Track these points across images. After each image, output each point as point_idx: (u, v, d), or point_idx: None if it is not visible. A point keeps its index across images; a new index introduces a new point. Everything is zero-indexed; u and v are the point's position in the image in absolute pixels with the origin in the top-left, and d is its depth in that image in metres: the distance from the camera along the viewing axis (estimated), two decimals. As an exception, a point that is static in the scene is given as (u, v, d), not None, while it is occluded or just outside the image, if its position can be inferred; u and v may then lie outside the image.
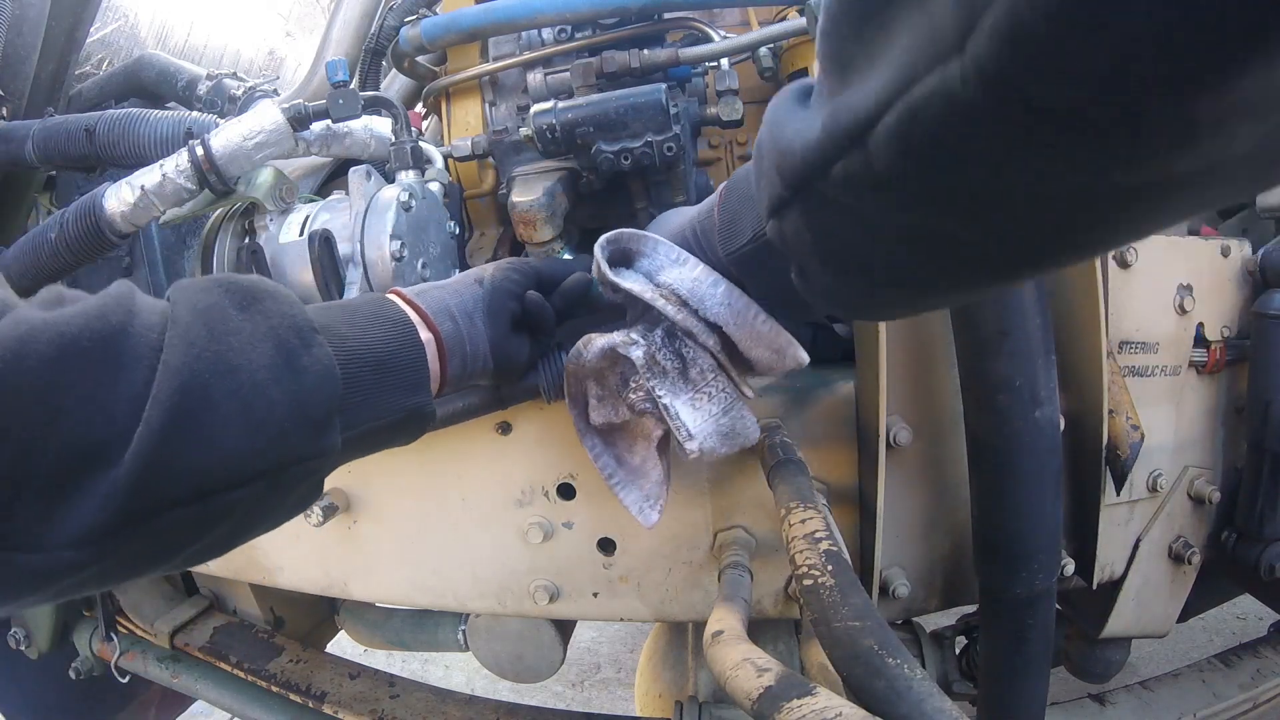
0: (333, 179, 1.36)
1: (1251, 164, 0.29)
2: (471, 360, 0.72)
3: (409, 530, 1.01)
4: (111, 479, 0.42)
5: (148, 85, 1.54)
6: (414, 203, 0.98)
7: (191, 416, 0.46)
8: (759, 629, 1.03)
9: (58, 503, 0.41)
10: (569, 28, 1.13)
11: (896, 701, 0.46)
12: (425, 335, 0.68)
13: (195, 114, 1.31)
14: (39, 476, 0.40)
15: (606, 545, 0.95)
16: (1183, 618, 1.08)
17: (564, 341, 0.89)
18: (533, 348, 0.82)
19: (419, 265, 0.99)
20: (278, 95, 1.39)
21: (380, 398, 0.61)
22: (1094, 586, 0.93)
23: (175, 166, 1.04)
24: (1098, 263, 0.80)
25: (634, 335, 0.71)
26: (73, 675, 1.40)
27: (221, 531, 0.52)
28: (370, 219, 0.95)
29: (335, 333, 0.59)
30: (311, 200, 1.12)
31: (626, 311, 0.80)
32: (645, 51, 1.06)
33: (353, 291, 0.92)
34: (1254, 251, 1.01)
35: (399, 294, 0.70)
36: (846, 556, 0.60)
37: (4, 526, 0.40)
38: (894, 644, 0.49)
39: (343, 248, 0.94)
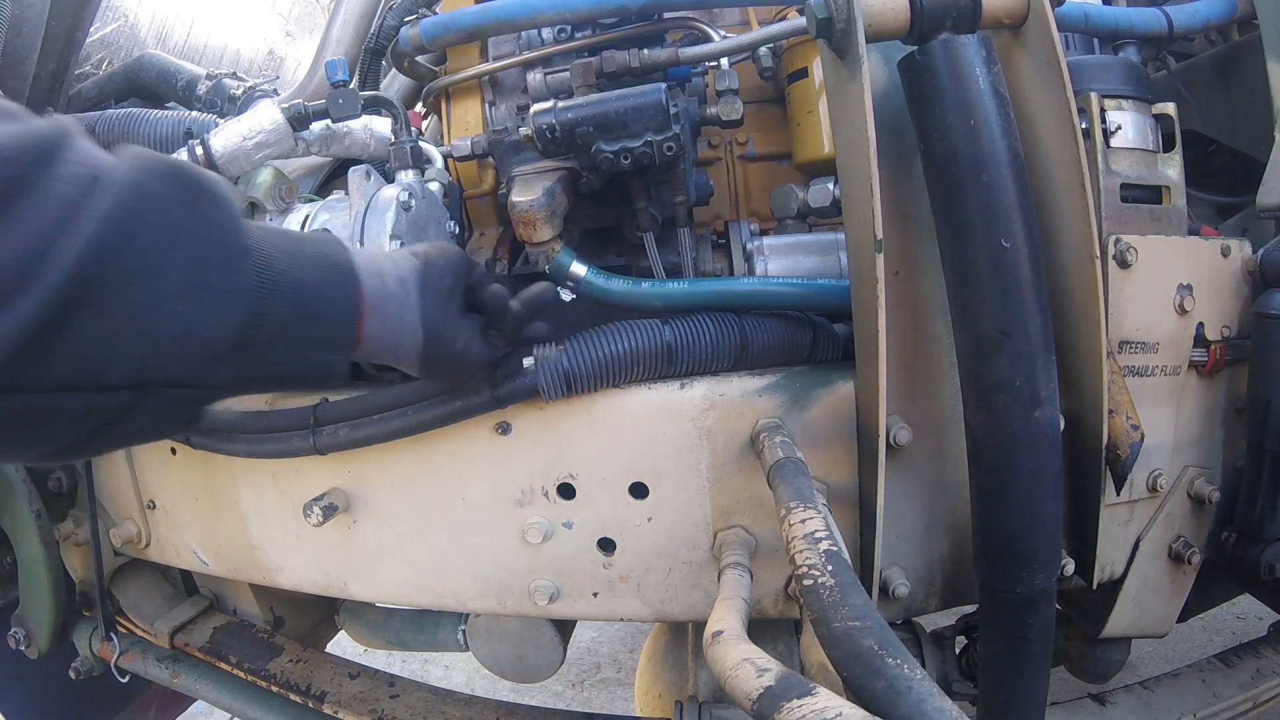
0: (333, 179, 1.36)
1: None
2: (396, 325, 0.67)
3: (409, 530, 1.01)
4: None
5: (148, 85, 1.54)
6: (414, 202, 0.98)
7: (88, 305, 0.43)
8: (759, 629, 1.03)
9: None
10: (569, 27, 1.13)
11: (896, 701, 0.46)
12: None
13: (195, 114, 1.31)
14: None
15: (606, 545, 0.95)
16: (1183, 618, 1.08)
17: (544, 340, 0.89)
18: (486, 341, 0.79)
19: (419, 265, 0.99)
20: (278, 95, 1.39)
21: (294, 346, 0.56)
22: (1094, 586, 0.93)
23: (175, 166, 1.04)
24: (1098, 263, 0.80)
25: None
26: (73, 675, 1.40)
27: (76, 432, 0.48)
28: (370, 219, 0.95)
29: (269, 262, 0.54)
30: (311, 200, 1.12)
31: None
32: (645, 51, 1.06)
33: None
34: (1254, 251, 1.01)
35: None
36: (846, 556, 0.60)
37: None
38: (894, 644, 0.49)
39: (343, 248, 0.94)
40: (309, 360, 0.58)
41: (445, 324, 0.72)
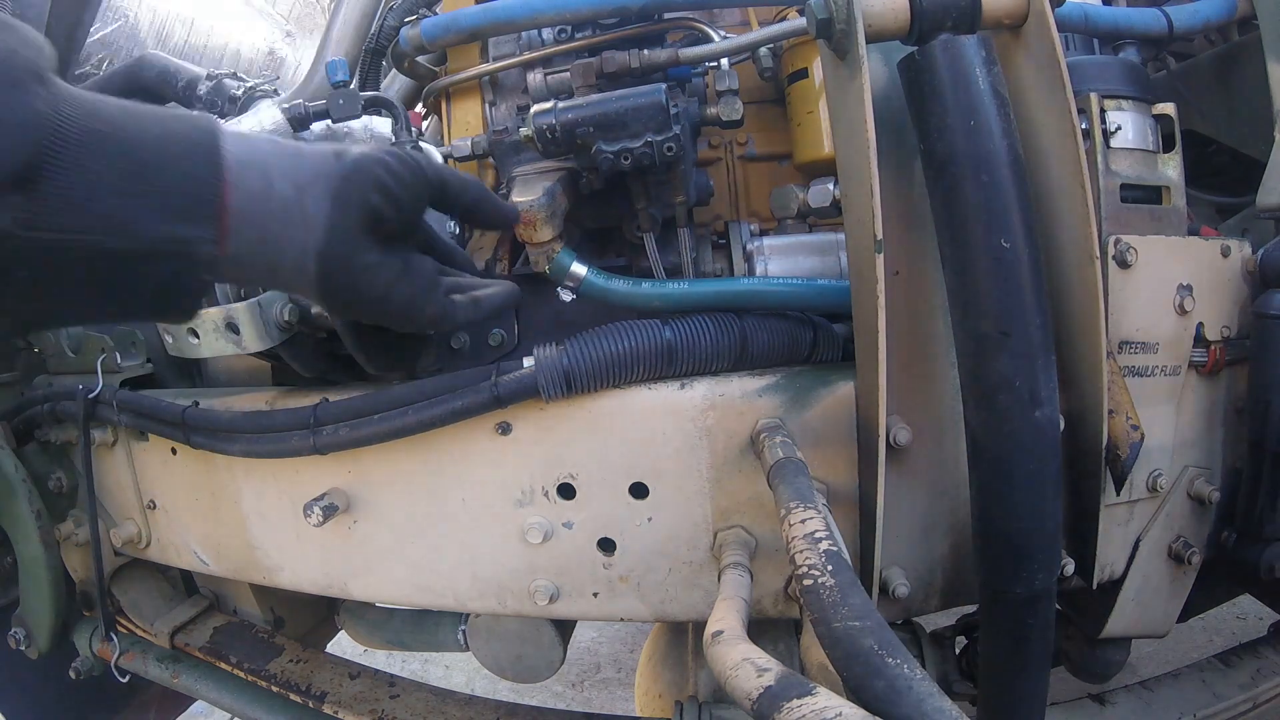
0: (333, 179, 1.36)
1: None
2: (274, 243, 0.53)
3: (409, 531, 1.01)
4: None
5: (148, 85, 1.54)
6: (414, 203, 0.98)
7: None
8: (759, 629, 1.03)
9: None
10: (569, 28, 1.13)
11: (897, 701, 0.46)
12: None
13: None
14: None
15: (606, 545, 0.95)
16: (1183, 618, 1.08)
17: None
18: (434, 291, 0.63)
19: (419, 265, 0.99)
20: (278, 95, 1.39)
21: (118, 203, 0.44)
22: (1094, 586, 0.93)
23: (175, 166, 1.04)
24: (1097, 263, 0.80)
25: None
26: (73, 675, 1.40)
27: None
28: (370, 219, 0.95)
29: (79, 102, 0.44)
30: (311, 200, 1.12)
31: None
32: (645, 51, 1.06)
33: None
34: (1254, 251, 1.01)
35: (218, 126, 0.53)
36: (846, 556, 0.60)
37: None
38: (894, 644, 0.49)
39: (343, 248, 0.94)
40: (149, 230, 0.46)
41: (356, 258, 0.55)
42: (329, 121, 1.14)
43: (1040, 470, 0.76)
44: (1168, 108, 0.99)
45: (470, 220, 0.68)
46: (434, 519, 1.00)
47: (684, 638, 1.15)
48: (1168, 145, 0.99)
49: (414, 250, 0.64)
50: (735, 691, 0.51)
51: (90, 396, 1.17)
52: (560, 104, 0.90)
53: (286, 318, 0.93)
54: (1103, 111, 0.94)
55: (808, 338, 0.94)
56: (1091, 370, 0.83)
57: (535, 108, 0.91)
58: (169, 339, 0.99)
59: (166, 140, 0.47)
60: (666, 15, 1.11)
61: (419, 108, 1.50)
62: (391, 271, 0.59)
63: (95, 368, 1.19)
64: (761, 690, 0.48)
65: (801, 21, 1.05)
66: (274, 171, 0.52)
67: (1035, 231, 0.75)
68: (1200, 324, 0.97)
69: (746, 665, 0.52)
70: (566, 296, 1.04)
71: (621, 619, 1.00)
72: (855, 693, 0.49)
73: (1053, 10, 0.78)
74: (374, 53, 1.36)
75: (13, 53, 0.43)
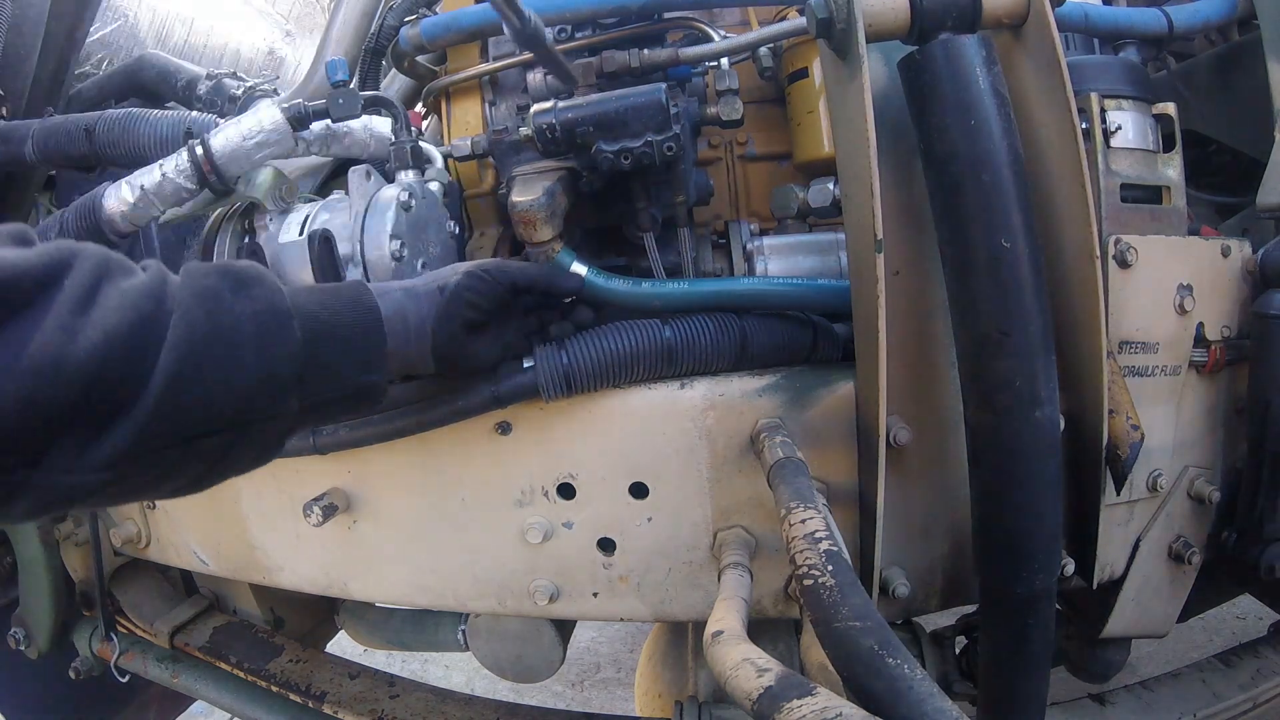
0: (333, 179, 1.36)
1: None
2: (409, 356, 0.81)
3: (409, 530, 1.01)
4: (131, 422, 0.55)
5: (148, 85, 1.54)
6: (414, 202, 0.98)
7: (187, 381, 0.58)
8: (759, 629, 1.03)
9: (91, 440, 0.54)
10: (569, 27, 1.13)
11: (896, 701, 0.46)
12: None
13: (195, 114, 1.31)
14: (79, 424, 0.53)
15: (606, 545, 0.95)
16: (1183, 618, 1.08)
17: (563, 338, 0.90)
18: (499, 346, 0.89)
19: (419, 265, 0.99)
20: (278, 95, 1.39)
21: (338, 374, 0.71)
22: (1094, 586, 0.93)
23: (175, 166, 1.04)
24: (1098, 263, 0.80)
25: None
26: (73, 675, 1.40)
27: (199, 469, 0.64)
28: (370, 219, 0.95)
29: (310, 314, 0.69)
30: (311, 200, 1.12)
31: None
32: (645, 51, 1.06)
33: (353, 292, 0.93)
34: (1254, 251, 1.01)
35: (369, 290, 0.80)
36: (846, 556, 0.60)
37: (48, 458, 0.53)
38: (894, 644, 0.49)
39: (342, 248, 0.94)
40: (353, 383, 0.73)
41: (456, 351, 0.83)
42: (329, 121, 1.13)
43: (1040, 470, 0.76)
44: (1168, 108, 0.99)
45: (542, 295, 0.92)
46: (434, 519, 1.00)
47: (684, 638, 1.15)
48: (1168, 145, 0.99)
49: (497, 320, 0.88)
50: (735, 691, 0.51)
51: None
52: (560, 104, 0.90)
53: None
54: (1103, 111, 0.94)
55: (808, 338, 0.94)
56: (1091, 370, 0.83)
57: (535, 107, 0.91)
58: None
59: (355, 325, 0.73)
60: (666, 15, 1.11)
61: (419, 107, 1.50)
62: (478, 345, 0.86)
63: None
64: (761, 690, 0.48)
65: (801, 21, 1.05)
66: (407, 315, 0.79)
67: (1035, 231, 0.75)
68: (1200, 324, 0.97)
69: (746, 665, 0.52)
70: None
71: (621, 619, 1.00)
72: (855, 693, 0.49)
73: (1053, 10, 0.78)
74: (374, 52, 1.36)
75: (274, 304, 0.65)
